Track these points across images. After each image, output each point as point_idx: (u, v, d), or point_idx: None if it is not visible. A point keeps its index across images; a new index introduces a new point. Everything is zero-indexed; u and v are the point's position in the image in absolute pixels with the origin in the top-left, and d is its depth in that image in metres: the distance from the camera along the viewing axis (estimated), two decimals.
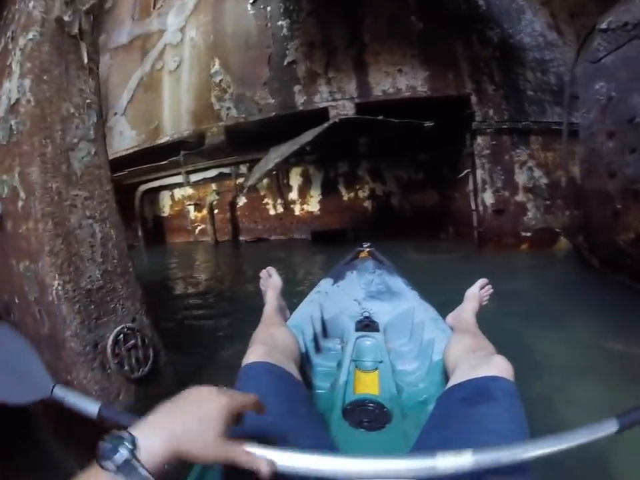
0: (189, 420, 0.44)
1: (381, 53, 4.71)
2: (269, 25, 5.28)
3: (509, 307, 2.31)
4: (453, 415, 0.67)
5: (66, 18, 1.22)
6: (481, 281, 1.33)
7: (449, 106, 4.58)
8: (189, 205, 8.37)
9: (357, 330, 1.20)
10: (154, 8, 7.17)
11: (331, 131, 4.59)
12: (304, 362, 1.00)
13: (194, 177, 7.75)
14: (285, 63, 5.13)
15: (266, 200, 7.58)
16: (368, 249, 1.81)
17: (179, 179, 7.78)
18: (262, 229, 7.66)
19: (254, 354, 0.78)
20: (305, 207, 7.33)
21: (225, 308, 3.10)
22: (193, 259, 6.53)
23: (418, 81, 4.62)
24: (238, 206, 7.81)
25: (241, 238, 7.76)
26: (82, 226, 1.07)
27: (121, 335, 1.04)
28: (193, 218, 8.41)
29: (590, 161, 3.09)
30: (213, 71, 5.87)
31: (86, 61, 1.27)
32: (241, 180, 6.98)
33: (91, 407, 0.67)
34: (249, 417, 0.58)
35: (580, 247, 3.43)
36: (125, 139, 7.08)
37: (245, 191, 6.53)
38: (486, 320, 1.19)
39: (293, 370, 0.81)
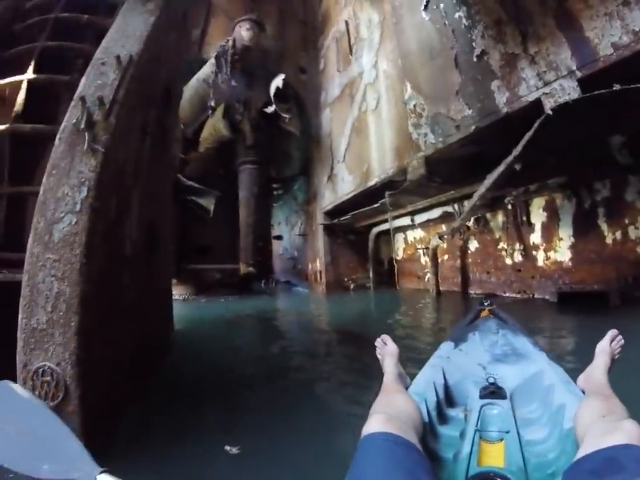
0: None
1: None
2: (447, 22, 4.34)
3: None
4: None
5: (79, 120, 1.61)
6: (611, 333, 1.26)
7: None
8: (420, 248, 7.71)
9: (482, 397, 1.13)
10: (351, 54, 7.33)
11: (549, 132, 3.07)
12: (426, 430, 0.98)
13: (418, 218, 7.09)
14: (475, 58, 4.01)
15: (501, 244, 5.90)
16: (489, 307, 1.71)
17: (407, 220, 7.27)
18: (495, 281, 6.02)
19: (374, 423, 0.78)
20: (551, 254, 5.21)
21: None
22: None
23: None
24: (469, 252, 6.56)
25: (471, 291, 6.53)
26: (44, 281, 1.48)
27: (41, 369, 1.42)
28: (423, 263, 7.62)
29: None
30: (406, 97, 5.36)
31: (86, 146, 1.60)
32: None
33: None
34: None
35: None
36: (345, 184, 7.62)
37: (446, 236, 5.43)
38: None
39: (414, 439, 0.78)
